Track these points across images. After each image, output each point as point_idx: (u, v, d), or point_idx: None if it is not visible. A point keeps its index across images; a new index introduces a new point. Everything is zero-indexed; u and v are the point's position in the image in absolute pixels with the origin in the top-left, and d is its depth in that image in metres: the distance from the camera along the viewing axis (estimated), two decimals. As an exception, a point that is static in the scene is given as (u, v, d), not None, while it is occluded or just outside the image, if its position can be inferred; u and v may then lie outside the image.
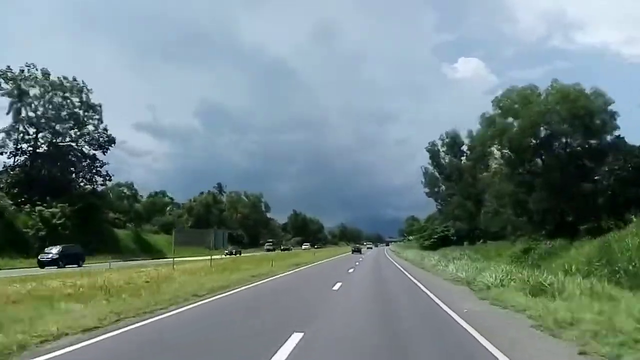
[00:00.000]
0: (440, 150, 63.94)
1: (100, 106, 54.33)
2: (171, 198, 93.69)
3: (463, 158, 62.33)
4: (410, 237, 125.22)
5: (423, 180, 66.68)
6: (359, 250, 70.28)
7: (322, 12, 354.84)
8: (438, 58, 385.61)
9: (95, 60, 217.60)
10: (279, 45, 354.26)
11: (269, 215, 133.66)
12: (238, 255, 59.86)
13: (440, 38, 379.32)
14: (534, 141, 37.77)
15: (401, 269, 28.28)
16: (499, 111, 40.14)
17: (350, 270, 25.53)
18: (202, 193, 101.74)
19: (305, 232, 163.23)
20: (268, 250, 74.80)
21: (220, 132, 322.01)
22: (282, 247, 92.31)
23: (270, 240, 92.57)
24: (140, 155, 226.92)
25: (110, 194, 67.66)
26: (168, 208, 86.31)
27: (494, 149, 41.00)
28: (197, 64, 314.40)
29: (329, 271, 25.71)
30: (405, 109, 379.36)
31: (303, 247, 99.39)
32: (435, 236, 72.56)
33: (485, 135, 40.33)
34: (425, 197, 68.49)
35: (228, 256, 49.92)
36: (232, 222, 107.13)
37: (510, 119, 39.08)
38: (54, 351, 5.68)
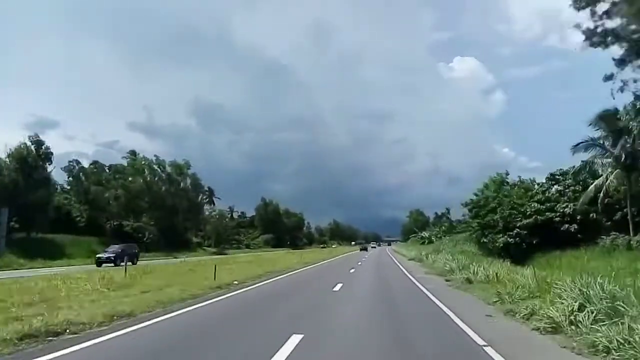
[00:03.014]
0: None
1: None
2: None
3: None
4: (425, 234, 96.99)
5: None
6: (365, 249, 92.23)
7: (319, 11, 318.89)
8: (434, 57, 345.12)
9: (91, 59, 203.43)
10: (275, 45, 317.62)
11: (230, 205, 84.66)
12: None
13: (437, 37, 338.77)
14: None
15: None
16: None
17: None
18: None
19: (277, 228, 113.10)
20: None
21: (217, 130, 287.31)
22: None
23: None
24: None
25: None
26: None
27: None
28: (192, 63, 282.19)
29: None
30: (402, 108, 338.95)
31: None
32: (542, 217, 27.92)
33: None
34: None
35: None
36: (113, 207, 57.60)
37: None
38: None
